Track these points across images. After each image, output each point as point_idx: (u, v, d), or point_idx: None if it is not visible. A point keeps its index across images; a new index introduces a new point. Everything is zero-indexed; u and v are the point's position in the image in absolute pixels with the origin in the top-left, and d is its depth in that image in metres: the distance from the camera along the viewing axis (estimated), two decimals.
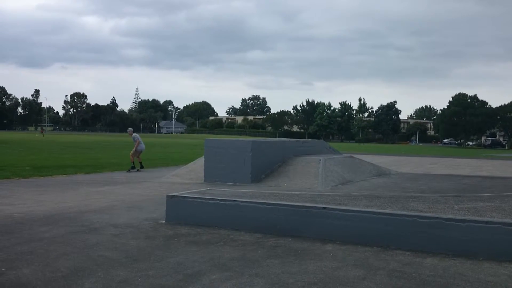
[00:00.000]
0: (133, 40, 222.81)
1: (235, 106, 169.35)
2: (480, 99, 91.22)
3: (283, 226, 5.98)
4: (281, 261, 4.74)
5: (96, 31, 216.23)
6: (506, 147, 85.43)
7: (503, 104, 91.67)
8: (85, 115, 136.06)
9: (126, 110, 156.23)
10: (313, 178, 11.44)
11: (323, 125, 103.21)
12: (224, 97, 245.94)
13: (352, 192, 8.87)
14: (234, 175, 11.54)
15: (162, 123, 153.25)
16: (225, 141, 12.87)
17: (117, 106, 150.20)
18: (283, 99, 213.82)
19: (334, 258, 4.86)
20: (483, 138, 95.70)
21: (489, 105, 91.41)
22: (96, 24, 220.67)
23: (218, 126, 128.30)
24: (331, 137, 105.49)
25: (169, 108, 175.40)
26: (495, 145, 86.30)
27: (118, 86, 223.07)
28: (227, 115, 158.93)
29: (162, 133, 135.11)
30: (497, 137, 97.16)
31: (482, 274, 4.37)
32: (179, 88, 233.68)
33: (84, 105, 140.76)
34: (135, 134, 15.83)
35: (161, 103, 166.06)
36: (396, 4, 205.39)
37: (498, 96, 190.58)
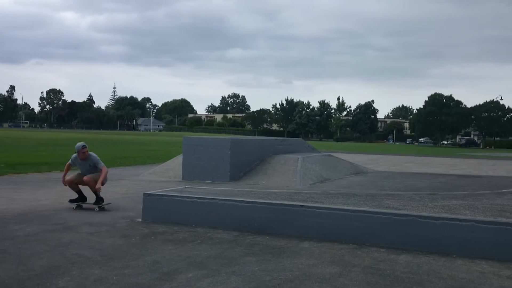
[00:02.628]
0: (111, 36, 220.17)
1: (214, 104, 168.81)
2: (456, 99, 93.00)
3: (261, 224, 5.99)
4: (258, 258, 4.76)
5: (73, 27, 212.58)
6: (480, 146, 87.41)
7: (477, 104, 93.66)
8: (61, 112, 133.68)
9: (103, 107, 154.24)
10: (292, 176, 11.49)
11: (302, 123, 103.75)
12: (204, 95, 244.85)
13: (329, 190, 8.95)
14: (212, 173, 11.51)
15: (140, 120, 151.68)
16: (203, 139, 12.82)
17: (94, 103, 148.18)
18: (262, 98, 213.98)
19: (310, 256, 4.90)
20: (458, 137, 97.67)
21: (464, 105, 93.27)
22: (73, 20, 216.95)
23: (197, 124, 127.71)
24: (310, 136, 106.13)
25: (147, 106, 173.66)
26: (470, 144, 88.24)
27: (95, 83, 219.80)
28: (207, 113, 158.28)
29: (139, 130, 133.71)
30: (472, 136, 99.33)
31: (455, 271, 4.46)
32: (157, 85, 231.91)
33: (60, 102, 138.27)
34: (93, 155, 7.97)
35: (139, 100, 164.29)
36: (375, 5, 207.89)
37: (473, 96, 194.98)
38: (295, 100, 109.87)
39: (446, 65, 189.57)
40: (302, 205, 5.94)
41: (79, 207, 7.69)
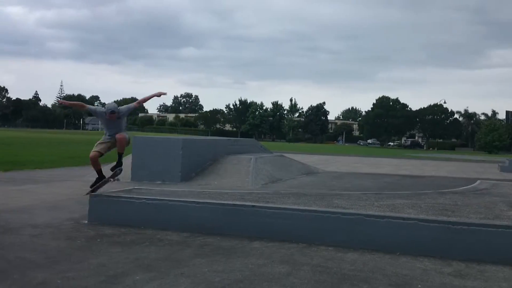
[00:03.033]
0: (60, 32, 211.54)
1: (166, 103, 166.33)
2: (402, 102, 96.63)
3: (211, 224, 5.96)
4: (208, 260, 4.73)
5: (20, 22, 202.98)
6: (424, 148, 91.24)
7: (422, 107, 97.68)
8: (5, 110, 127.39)
9: (49, 105, 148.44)
10: (244, 177, 11.51)
11: (255, 124, 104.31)
12: None
13: (281, 190, 9.03)
14: (163, 174, 11.33)
15: (88, 119, 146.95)
16: (154, 138, 12.61)
17: (40, 101, 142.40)
18: (216, 98, 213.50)
19: (261, 255, 4.92)
20: (403, 139, 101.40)
21: (409, 108, 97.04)
22: (20, 15, 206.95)
23: (148, 123, 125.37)
24: (263, 136, 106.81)
25: (96, 104, 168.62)
26: (414, 145, 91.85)
27: (42, 80, 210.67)
28: (158, 112, 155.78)
29: (87, 129, 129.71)
30: (416, 138, 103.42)
31: (399, 268, 4.61)
32: (107, 83, 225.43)
33: (4, 99, 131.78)
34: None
35: (87, 98, 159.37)
36: (327, 9, 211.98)
37: (418, 99, 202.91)
38: (248, 101, 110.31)
39: (393, 69, 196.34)
40: (253, 205, 5.96)
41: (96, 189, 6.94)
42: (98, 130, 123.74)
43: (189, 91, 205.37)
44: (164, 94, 7.36)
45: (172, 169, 11.35)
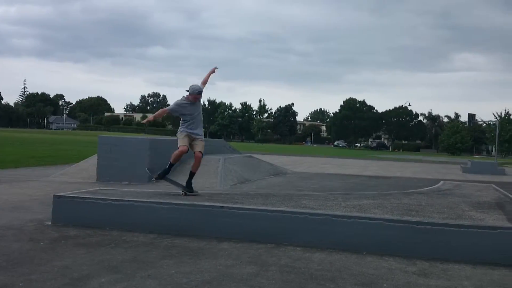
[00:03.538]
0: (23, 29, 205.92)
1: (133, 103, 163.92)
2: (368, 104, 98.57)
3: (179, 226, 5.90)
4: (175, 261, 4.68)
5: None
6: (390, 149, 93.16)
7: (388, 109, 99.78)
8: None
9: (12, 104, 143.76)
10: (212, 177, 11.45)
11: (224, 124, 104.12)
12: (122, 93, 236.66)
13: (249, 191, 9.04)
14: (129, 174, 11.14)
15: (52, 118, 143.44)
16: (120, 138, 12.40)
17: (2, 99, 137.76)
18: None
19: (229, 256, 4.90)
20: (370, 140, 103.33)
21: (376, 110, 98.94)
22: None
23: (115, 123, 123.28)
24: (231, 137, 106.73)
25: (60, 103, 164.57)
26: (380, 147, 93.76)
27: (4, 78, 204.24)
28: (125, 112, 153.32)
29: (51, 129, 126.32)
30: (382, 139, 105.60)
31: (365, 268, 4.68)
32: (72, 82, 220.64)
33: None
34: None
35: (51, 97, 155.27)
36: (297, 11, 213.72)
37: (384, 101, 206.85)
38: (217, 101, 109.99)
39: (361, 71, 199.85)
40: (222, 206, 5.93)
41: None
42: (62, 129, 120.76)
43: (157, 90, 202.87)
44: (216, 68, 7.41)
45: (139, 170, 11.17)
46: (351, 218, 5.50)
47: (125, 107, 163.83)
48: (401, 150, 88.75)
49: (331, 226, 5.48)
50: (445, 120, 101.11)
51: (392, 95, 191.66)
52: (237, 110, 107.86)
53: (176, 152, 6.86)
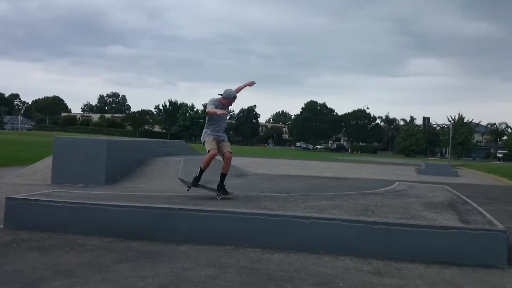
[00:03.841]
0: None
1: (91, 103, 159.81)
2: (329, 106, 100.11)
3: (136, 229, 5.79)
4: (131, 265, 4.59)
5: None
6: (349, 151, 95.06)
7: (347, 112, 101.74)
8: None
9: None
10: (172, 179, 11.31)
11: (185, 125, 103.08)
12: (80, 93, 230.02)
13: (209, 193, 8.98)
14: (86, 176, 10.86)
15: (7, 118, 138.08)
16: (77, 139, 12.06)
17: None
18: (145, 98, 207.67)
19: (187, 259, 4.86)
20: (329, 142, 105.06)
21: (335, 112, 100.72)
22: None
23: (72, 123, 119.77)
24: (193, 138, 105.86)
25: (16, 103, 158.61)
26: (340, 149, 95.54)
27: None
28: (82, 112, 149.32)
29: (6, 129, 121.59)
30: (342, 141, 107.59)
31: (322, 267, 4.75)
32: (28, 81, 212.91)
33: None
34: None
35: (6, 96, 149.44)
36: (259, 13, 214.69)
37: (343, 104, 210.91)
38: (179, 102, 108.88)
39: (321, 75, 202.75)
40: (181, 209, 5.87)
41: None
42: (17, 130, 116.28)
43: (117, 90, 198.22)
44: (254, 83, 7.36)
45: (95, 172, 10.92)
46: (309, 218, 5.56)
47: (83, 107, 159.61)
48: (359, 152, 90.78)
49: (290, 227, 5.53)
50: (401, 123, 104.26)
51: (352, 98, 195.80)
52: (199, 111, 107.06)
53: (207, 156, 6.88)
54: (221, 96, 7.06)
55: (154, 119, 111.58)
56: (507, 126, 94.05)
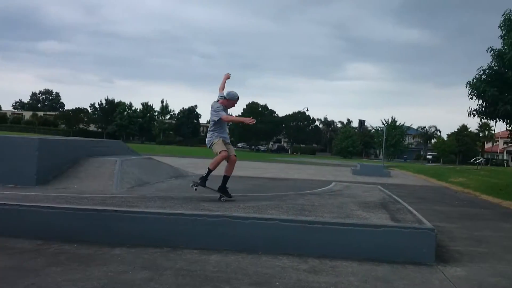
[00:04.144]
0: None
1: (23, 100, 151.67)
2: (270, 108, 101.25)
3: (68, 231, 5.56)
4: (63, 268, 4.40)
5: None
6: (289, 152, 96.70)
7: (287, 114, 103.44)
8: None
9: None
10: (108, 180, 10.96)
11: (123, 125, 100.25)
12: (10, 90, 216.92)
13: (147, 194, 8.79)
14: (15, 177, 10.25)
15: None
16: (5, 137, 11.38)
17: None
18: (80, 96, 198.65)
19: (121, 262, 4.72)
20: (270, 143, 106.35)
21: (276, 114, 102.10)
22: None
23: (2, 121, 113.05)
24: (131, 138, 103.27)
25: None
26: (280, 150, 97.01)
27: None
28: (13, 110, 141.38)
29: None
30: (282, 143, 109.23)
31: (260, 267, 4.78)
32: None
33: None
34: None
35: None
36: (199, 12, 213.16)
37: (284, 106, 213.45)
38: (116, 100, 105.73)
39: (263, 76, 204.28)
40: (115, 210, 5.70)
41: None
42: None
43: (50, 87, 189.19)
44: (230, 74, 7.43)
45: (26, 172, 10.34)
46: (248, 219, 5.59)
47: (13, 104, 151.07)
48: (299, 153, 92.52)
49: (229, 227, 5.53)
50: (339, 125, 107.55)
51: (292, 100, 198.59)
52: (138, 110, 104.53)
53: (219, 158, 6.96)
54: (223, 99, 7.13)
55: (90, 118, 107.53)
56: (436, 130, 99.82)
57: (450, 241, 6.89)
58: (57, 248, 5.15)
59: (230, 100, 7.14)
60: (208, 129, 7.30)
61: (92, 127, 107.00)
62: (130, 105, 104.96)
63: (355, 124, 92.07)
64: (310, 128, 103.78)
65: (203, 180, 7.23)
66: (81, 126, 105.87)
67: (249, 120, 6.94)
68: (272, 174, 20.24)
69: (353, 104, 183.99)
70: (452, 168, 34.77)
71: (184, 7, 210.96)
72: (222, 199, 7.18)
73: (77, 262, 4.63)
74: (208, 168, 7.16)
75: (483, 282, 4.76)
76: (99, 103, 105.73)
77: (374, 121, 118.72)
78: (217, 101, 7.19)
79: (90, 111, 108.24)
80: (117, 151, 14.99)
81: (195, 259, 4.96)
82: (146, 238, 5.51)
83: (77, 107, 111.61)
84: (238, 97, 7.18)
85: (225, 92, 7.28)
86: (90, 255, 4.93)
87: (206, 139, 7.32)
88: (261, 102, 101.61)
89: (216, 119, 7.03)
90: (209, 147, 7.25)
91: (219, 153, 6.95)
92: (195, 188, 7.28)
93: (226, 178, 7.40)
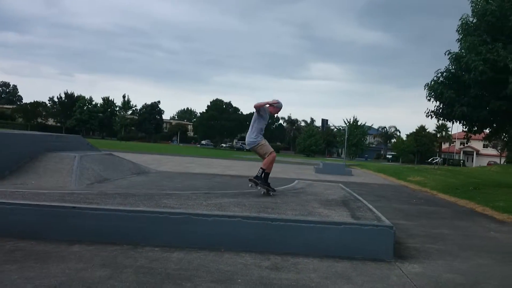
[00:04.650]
0: None
1: None
2: (234, 105, 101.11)
3: (24, 228, 5.38)
4: (19, 266, 4.25)
5: None
6: None
7: (252, 112, 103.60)
8: None
9: None
10: (66, 176, 10.68)
11: (83, 119, 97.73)
12: None
13: (107, 191, 8.61)
14: None
15: None
16: None
17: None
18: (38, 89, 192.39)
19: (80, 260, 4.61)
20: (234, 140, 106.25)
21: (241, 111, 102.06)
22: None
23: None
24: (91, 133, 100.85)
25: None
26: (244, 147, 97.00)
27: None
28: None
29: None
30: None
31: (222, 265, 4.78)
32: None
33: None
34: None
35: None
36: (165, 8, 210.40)
37: (249, 104, 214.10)
38: (76, 94, 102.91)
39: (228, 73, 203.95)
40: (74, 207, 5.56)
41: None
42: None
43: (7, 79, 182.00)
44: (276, 103, 7.79)
45: None
46: (211, 216, 5.57)
47: None
48: None
49: (191, 225, 5.49)
50: (302, 124, 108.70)
51: (257, 98, 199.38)
52: (98, 105, 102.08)
53: (271, 158, 7.59)
54: (270, 105, 7.74)
55: (48, 112, 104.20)
56: (396, 130, 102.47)
57: (408, 238, 7.09)
58: (13, 245, 4.98)
59: (276, 108, 7.77)
60: (250, 130, 7.73)
61: (50, 122, 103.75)
62: (90, 99, 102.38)
63: (318, 123, 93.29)
64: (274, 126, 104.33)
65: (267, 182, 7.79)
66: (39, 120, 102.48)
67: (272, 102, 7.68)
68: (235, 172, 20.23)
69: (316, 103, 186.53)
70: (410, 167, 35.78)
71: (149, 1, 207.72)
72: (270, 193, 7.75)
73: (33, 260, 4.49)
74: (265, 171, 7.64)
75: (439, 278, 4.92)
76: (58, 96, 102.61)
77: (337, 120, 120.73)
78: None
79: (48, 105, 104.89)
80: (77, 146, 14.63)
81: (156, 257, 4.90)
82: (105, 235, 5.40)
83: (35, 100, 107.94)
84: (282, 108, 7.85)
85: (272, 99, 7.78)
86: (48, 252, 4.79)
87: (249, 139, 7.72)
88: (226, 100, 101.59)
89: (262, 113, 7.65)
90: (251, 148, 7.75)
91: (270, 153, 7.63)
92: (272, 193, 7.78)
93: (267, 174, 7.84)
